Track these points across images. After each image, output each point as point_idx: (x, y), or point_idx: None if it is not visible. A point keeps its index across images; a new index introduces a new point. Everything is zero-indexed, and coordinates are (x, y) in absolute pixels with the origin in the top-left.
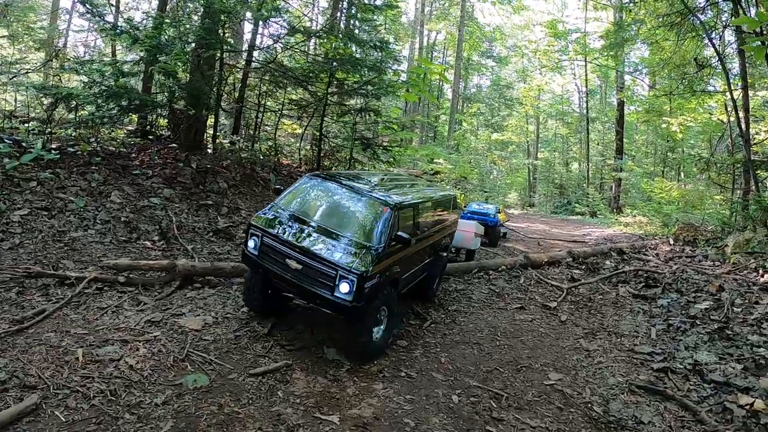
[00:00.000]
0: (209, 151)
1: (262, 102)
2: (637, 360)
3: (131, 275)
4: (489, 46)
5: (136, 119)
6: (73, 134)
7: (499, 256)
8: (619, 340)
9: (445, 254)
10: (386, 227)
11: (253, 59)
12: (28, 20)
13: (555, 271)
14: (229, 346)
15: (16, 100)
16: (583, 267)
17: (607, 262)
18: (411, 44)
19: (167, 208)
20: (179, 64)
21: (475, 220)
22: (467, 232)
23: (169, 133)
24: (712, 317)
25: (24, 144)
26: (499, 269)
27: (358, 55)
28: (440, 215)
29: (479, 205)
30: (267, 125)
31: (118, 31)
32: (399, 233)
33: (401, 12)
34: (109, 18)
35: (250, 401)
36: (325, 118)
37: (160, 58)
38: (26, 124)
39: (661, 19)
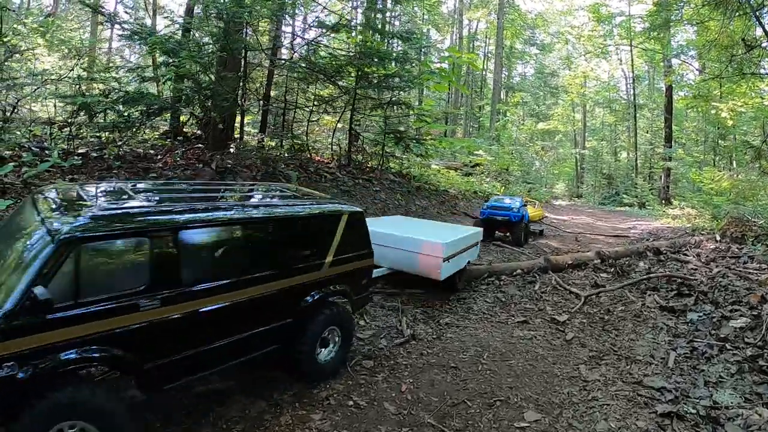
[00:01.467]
0: (232, 150)
1: (290, 99)
2: (642, 398)
3: None
4: (531, 34)
5: (169, 121)
6: (102, 139)
7: (524, 257)
8: (628, 367)
9: (350, 300)
10: (36, 275)
11: (279, 57)
12: (65, 29)
13: (579, 275)
14: None
15: (55, 107)
16: (612, 270)
17: (641, 264)
18: (451, 35)
19: None
20: (194, 65)
21: (495, 216)
22: (430, 256)
23: (200, 133)
24: (746, 340)
25: (48, 151)
26: (514, 273)
27: (386, 48)
28: (292, 245)
29: (499, 199)
30: (299, 122)
31: (130, 33)
32: (37, 288)
33: (440, 1)
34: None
35: (179, 421)
36: (357, 113)
37: (173, 60)
38: (63, 130)
39: None
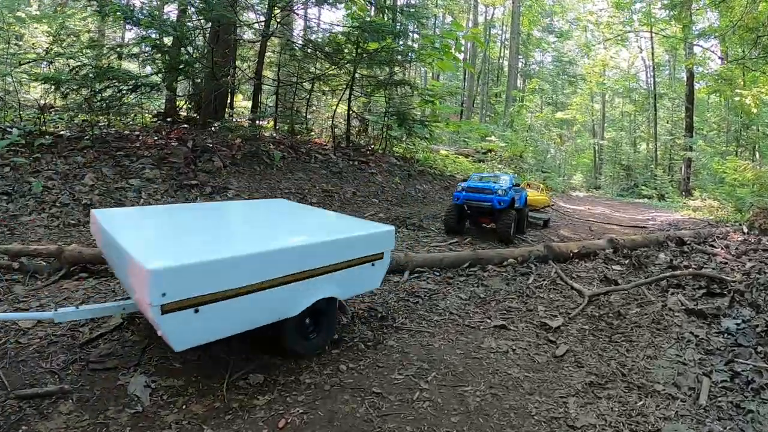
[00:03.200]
0: (213, 129)
1: (284, 78)
2: None
3: (22, 261)
4: (549, 21)
5: (165, 103)
6: (85, 120)
7: (524, 245)
8: (641, 402)
9: None
10: None
11: (271, 33)
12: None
13: (586, 266)
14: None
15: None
16: (627, 262)
17: (661, 256)
18: (467, 21)
19: (143, 190)
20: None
21: (473, 201)
22: (139, 288)
23: (196, 116)
24: None
25: (16, 130)
26: (505, 263)
27: (386, 22)
28: None
29: (482, 178)
30: (299, 102)
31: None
32: None
33: None
34: None
35: None
36: (358, 94)
37: (151, 35)
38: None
39: None
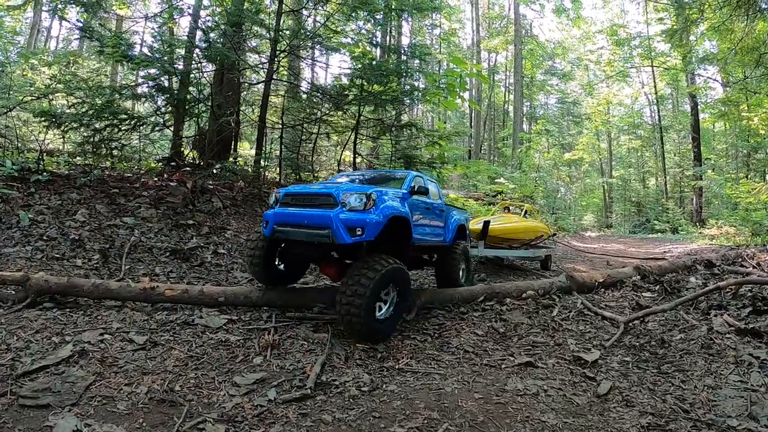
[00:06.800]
0: (215, 171)
1: (287, 121)
2: None
3: None
4: (551, 64)
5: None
6: (85, 159)
7: (537, 277)
8: None
9: None
10: None
11: (276, 77)
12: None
13: (614, 295)
14: None
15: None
16: (657, 288)
17: (692, 279)
18: (470, 69)
19: (136, 228)
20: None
21: (289, 231)
22: None
23: (199, 159)
24: None
25: (9, 162)
26: (524, 296)
27: (389, 63)
28: None
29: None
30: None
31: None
32: None
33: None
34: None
35: None
36: (362, 136)
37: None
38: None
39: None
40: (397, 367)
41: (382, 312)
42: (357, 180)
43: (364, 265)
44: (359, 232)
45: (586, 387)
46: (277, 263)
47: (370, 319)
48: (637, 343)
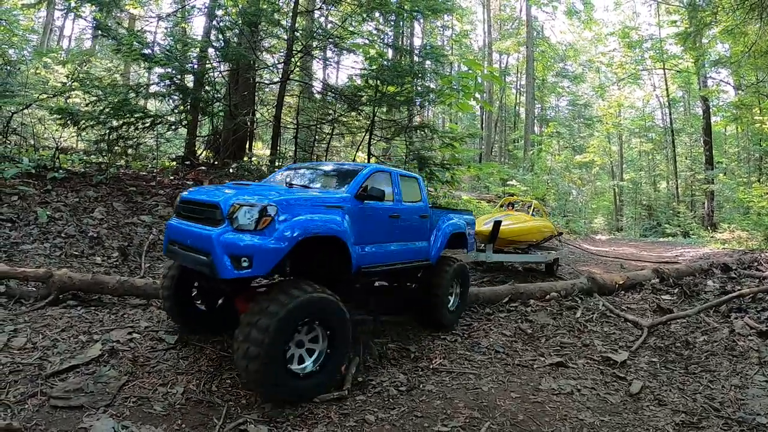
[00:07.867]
0: (231, 170)
1: (302, 121)
2: None
3: (9, 284)
4: (563, 66)
5: (185, 144)
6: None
7: (556, 279)
8: None
9: None
10: None
11: (290, 77)
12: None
13: (634, 297)
14: None
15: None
16: (676, 290)
17: (709, 283)
18: (483, 70)
19: (154, 226)
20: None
21: (176, 248)
22: None
23: (214, 159)
24: None
25: (26, 160)
26: (547, 297)
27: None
28: None
29: (211, 192)
30: (318, 147)
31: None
32: None
33: (466, 32)
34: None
35: None
36: (377, 137)
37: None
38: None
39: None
40: (431, 367)
41: (305, 364)
42: (289, 178)
43: (265, 298)
44: (245, 264)
45: (618, 386)
46: (194, 297)
47: (276, 374)
48: (662, 345)
